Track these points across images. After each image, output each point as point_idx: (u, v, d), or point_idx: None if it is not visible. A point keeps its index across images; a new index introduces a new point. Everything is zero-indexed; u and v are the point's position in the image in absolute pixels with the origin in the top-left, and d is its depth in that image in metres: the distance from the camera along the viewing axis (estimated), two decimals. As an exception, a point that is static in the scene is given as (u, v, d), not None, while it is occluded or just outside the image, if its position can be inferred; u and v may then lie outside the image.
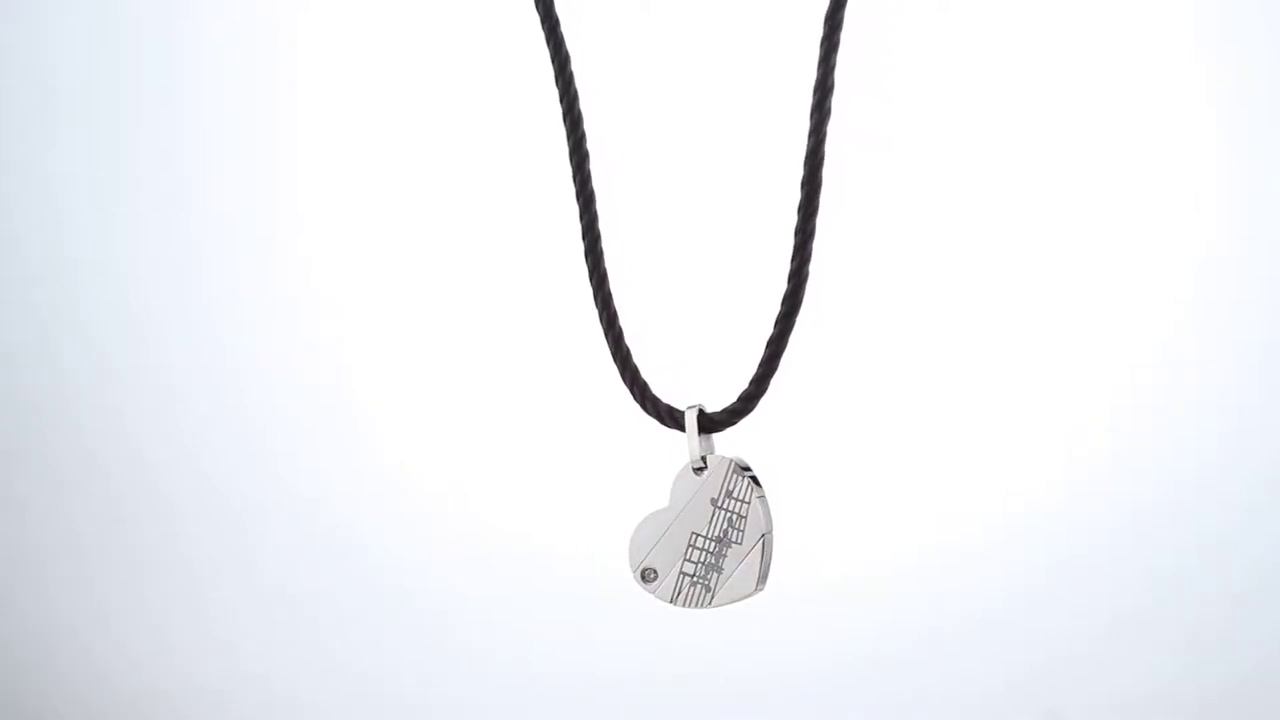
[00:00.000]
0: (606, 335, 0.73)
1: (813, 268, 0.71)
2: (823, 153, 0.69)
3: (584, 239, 0.72)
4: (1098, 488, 0.94)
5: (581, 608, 1.04)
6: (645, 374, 0.74)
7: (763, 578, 0.71)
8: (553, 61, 0.70)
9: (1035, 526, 0.95)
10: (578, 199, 0.72)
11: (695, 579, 0.71)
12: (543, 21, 0.70)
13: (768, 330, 0.74)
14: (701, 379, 0.76)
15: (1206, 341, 0.91)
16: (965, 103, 0.92)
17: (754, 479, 0.71)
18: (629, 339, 0.74)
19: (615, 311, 0.73)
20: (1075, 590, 0.95)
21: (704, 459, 0.71)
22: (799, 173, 0.72)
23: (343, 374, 1.09)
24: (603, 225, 0.74)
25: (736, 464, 0.71)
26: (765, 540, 0.71)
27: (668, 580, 0.72)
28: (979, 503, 0.96)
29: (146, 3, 1.10)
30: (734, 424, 0.71)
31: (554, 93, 0.76)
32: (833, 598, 0.99)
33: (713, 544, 0.70)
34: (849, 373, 0.96)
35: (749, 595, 0.71)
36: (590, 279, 0.71)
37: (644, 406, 0.73)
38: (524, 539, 1.05)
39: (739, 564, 0.70)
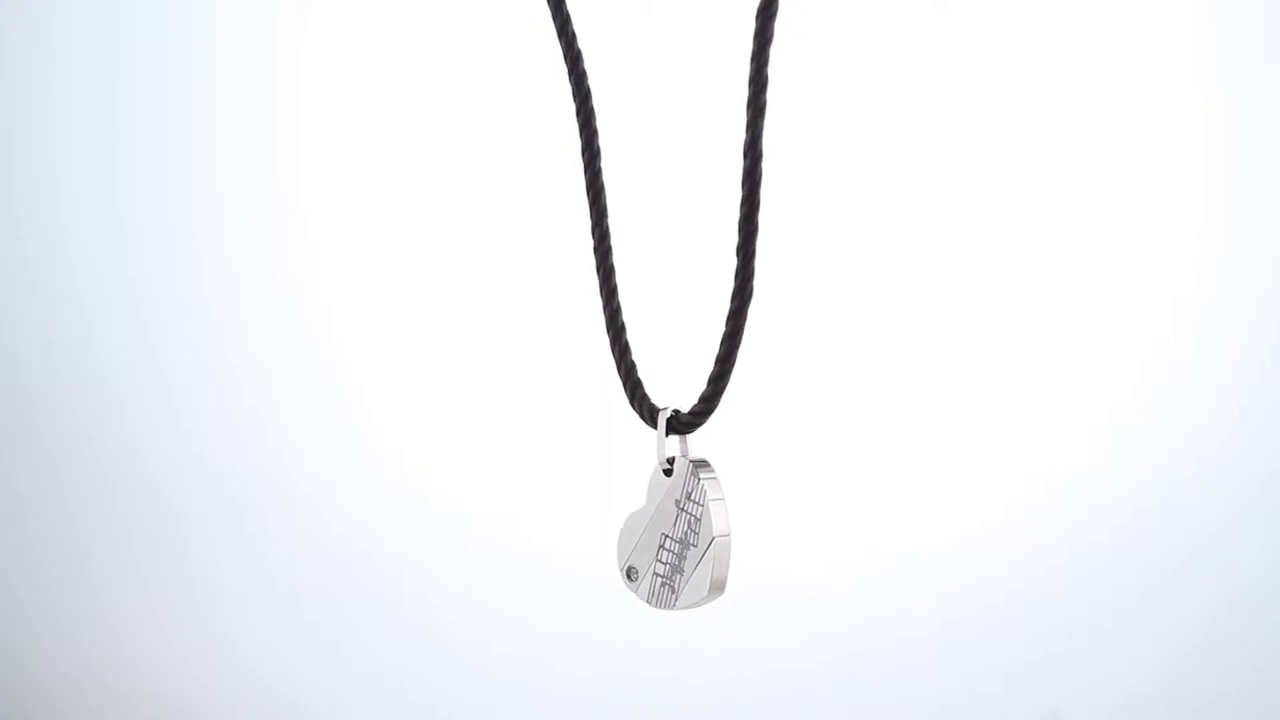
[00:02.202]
0: (608, 330, 0.73)
1: (809, 266, 0.71)
2: (760, 148, 0.67)
3: (593, 234, 0.71)
4: (1098, 488, 0.94)
5: (580, 607, 1.04)
6: (648, 373, 0.74)
7: (716, 583, 0.69)
8: (565, 58, 0.70)
9: (1035, 526, 0.96)
10: (587, 193, 0.72)
11: (664, 580, 0.70)
12: (554, 17, 0.70)
13: (766, 330, 0.73)
14: (702, 379, 0.76)
15: (1206, 341, 0.92)
16: (964, 102, 0.92)
17: (712, 482, 0.69)
18: (629, 338, 0.74)
19: (619, 306, 0.73)
20: (1075, 590, 0.95)
21: (670, 460, 0.70)
22: (800, 171, 0.71)
23: (343, 374, 1.09)
24: (609, 222, 0.74)
25: (694, 467, 0.70)
26: (715, 545, 0.68)
27: (645, 580, 0.71)
28: (979, 503, 0.96)
29: (147, 2, 1.10)
30: (699, 425, 0.70)
31: (556, 92, 0.76)
32: (831, 597, 0.99)
33: (677, 545, 0.69)
34: (851, 375, 0.96)
35: (705, 599, 0.69)
36: (597, 272, 0.71)
37: (631, 404, 0.72)
38: (524, 540, 1.06)
39: (695, 567, 0.69)
